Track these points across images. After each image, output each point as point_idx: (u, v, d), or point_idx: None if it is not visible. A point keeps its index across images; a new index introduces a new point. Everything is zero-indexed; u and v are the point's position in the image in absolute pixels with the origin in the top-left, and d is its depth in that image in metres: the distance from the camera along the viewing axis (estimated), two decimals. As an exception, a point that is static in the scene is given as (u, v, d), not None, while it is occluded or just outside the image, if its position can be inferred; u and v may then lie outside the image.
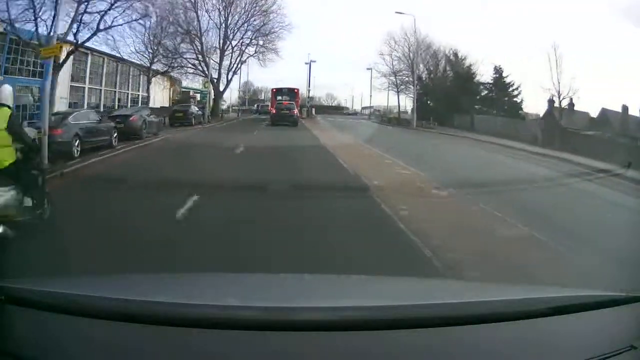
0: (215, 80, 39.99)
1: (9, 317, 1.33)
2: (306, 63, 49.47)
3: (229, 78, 41.63)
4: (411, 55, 39.72)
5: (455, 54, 40.80)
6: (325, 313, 1.38)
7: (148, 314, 1.31)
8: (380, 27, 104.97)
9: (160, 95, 38.12)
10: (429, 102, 43.17)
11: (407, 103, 45.34)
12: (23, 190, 4.94)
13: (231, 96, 51.73)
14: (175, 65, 35.39)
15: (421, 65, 40.82)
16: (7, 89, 5.28)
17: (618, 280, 4.36)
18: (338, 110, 62.26)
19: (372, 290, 1.90)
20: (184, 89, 46.27)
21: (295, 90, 40.86)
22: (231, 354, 1.21)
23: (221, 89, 41.42)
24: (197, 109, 29.81)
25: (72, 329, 1.31)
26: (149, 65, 29.85)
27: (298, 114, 32.51)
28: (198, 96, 45.43)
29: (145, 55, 29.63)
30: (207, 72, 37.81)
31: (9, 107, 5.11)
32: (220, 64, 40.41)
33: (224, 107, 52.35)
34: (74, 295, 1.43)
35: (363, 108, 66.30)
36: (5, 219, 4.44)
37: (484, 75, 40.12)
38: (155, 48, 29.66)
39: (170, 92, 41.34)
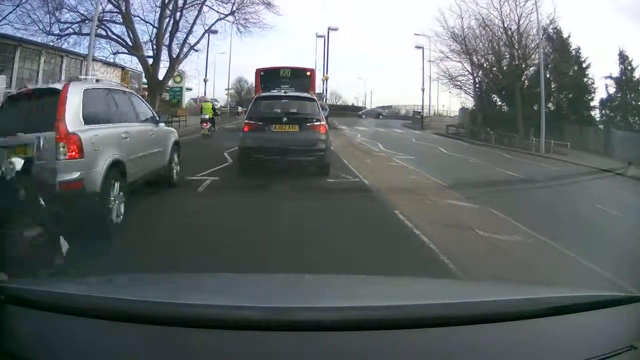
0: (150, 63, 23.39)
1: (9, 317, 1.32)
2: (319, 36, 32.67)
3: (176, 55, 24.27)
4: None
5: (558, 31, 27.16)
6: (325, 313, 1.36)
7: (148, 314, 1.29)
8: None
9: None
10: (501, 103, 29.95)
11: (448, 102, 32.26)
12: (212, 124, 21.15)
13: (212, 90, 36.67)
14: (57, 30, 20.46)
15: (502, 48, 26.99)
16: (208, 97, 30.92)
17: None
18: (349, 110, 48.92)
19: (372, 290, 1.87)
20: (146, 86, 31.97)
21: (309, 74, 22.19)
22: (231, 354, 1.20)
23: (161, 76, 24.33)
24: None
25: (72, 329, 1.29)
26: None
27: (326, 136, 9.96)
28: (166, 95, 30.98)
29: None
30: (131, 40, 22.25)
31: (208, 101, 24.17)
32: (159, 34, 23.31)
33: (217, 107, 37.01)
34: (74, 295, 1.44)
35: (377, 108, 55.22)
36: (209, 130, 20.31)
37: (595, 64, 27.29)
38: None
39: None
